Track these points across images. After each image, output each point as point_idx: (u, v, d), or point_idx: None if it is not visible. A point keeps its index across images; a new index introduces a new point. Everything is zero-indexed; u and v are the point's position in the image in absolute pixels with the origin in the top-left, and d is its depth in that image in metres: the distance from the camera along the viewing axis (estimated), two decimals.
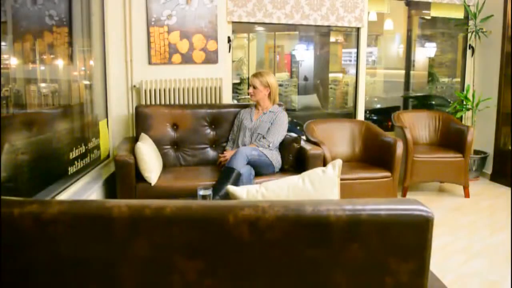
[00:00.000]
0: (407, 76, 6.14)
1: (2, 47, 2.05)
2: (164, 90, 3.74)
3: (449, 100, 5.62)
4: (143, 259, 1.03)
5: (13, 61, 2.18)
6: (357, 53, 4.55)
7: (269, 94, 3.41)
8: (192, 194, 2.44)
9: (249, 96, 3.49)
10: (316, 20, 4.16)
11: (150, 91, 3.69)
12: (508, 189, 4.29)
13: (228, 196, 1.57)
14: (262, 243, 1.01)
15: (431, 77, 6.17)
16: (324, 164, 3.11)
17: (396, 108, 5.78)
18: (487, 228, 3.37)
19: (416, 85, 6.27)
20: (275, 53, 7.33)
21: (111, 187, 3.17)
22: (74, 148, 2.83)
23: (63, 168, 2.70)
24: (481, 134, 4.67)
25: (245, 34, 7.00)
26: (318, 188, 1.59)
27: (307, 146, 3.24)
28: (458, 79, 5.34)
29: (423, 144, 4.34)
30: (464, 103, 4.59)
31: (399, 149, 3.36)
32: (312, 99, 6.82)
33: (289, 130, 3.51)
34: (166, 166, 3.35)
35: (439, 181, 4.30)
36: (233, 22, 4.00)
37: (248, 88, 3.44)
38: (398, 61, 6.71)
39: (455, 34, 5.32)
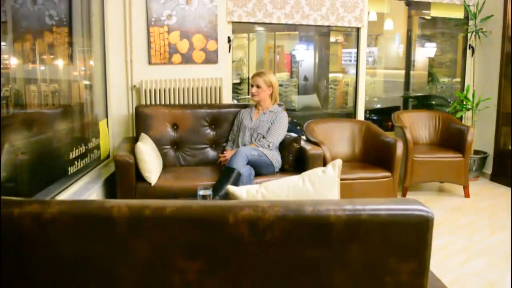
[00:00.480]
0: (407, 76, 6.14)
1: (2, 47, 2.05)
2: (164, 90, 3.73)
3: (449, 100, 5.62)
4: (143, 259, 1.03)
5: (13, 61, 2.18)
6: (357, 53, 4.55)
7: (271, 94, 3.41)
8: (192, 194, 2.45)
9: (250, 96, 3.48)
10: (316, 20, 4.16)
11: (150, 91, 3.69)
12: (508, 189, 4.29)
13: (228, 196, 1.57)
14: (262, 243, 1.01)
15: (431, 77, 6.17)
16: (324, 164, 3.11)
17: (396, 108, 5.78)
18: (487, 228, 3.37)
19: (416, 85, 6.28)
20: (275, 53, 7.33)
21: (111, 187, 3.17)
22: (74, 148, 2.83)
23: (63, 168, 2.70)
24: (481, 134, 4.67)
25: (245, 34, 7.00)
26: (318, 188, 1.59)
27: (307, 146, 3.24)
28: (458, 79, 5.34)
29: (423, 144, 4.34)
30: (464, 103, 4.59)
31: (399, 149, 3.36)
32: (312, 99, 6.82)
33: (289, 130, 3.51)
34: (166, 166, 3.35)
35: (439, 181, 4.30)
36: (233, 22, 4.00)
37: (251, 88, 3.40)
38: (398, 61, 6.71)
39: (455, 34, 5.32)
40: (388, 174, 3.38)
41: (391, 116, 4.35)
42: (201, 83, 3.82)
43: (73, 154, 2.82)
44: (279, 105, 3.52)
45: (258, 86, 3.37)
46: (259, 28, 6.89)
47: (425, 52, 6.14)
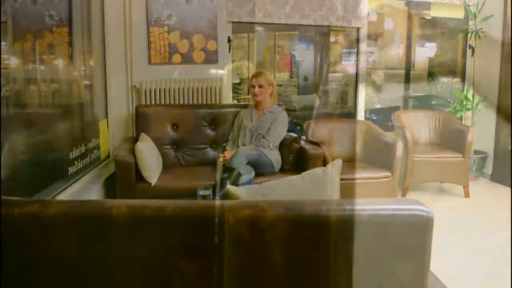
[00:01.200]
0: (407, 76, 6.13)
1: (2, 47, 2.04)
2: (164, 90, 3.73)
3: (449, 100, 5.62)
4: (143, 259, 1.03)
5: (13, 61, 2.18)
6: (357, 53, 4.55)
7: (271, 93, 3.41)
8: (192, 194, 2.44)
9: (250, 96, 3.48)
10: (316, 20, 4.16)
11: (150, 91, 3.69)
12: (508, 189, 4.29)
13: (228, 196, 1.57)
14: (262, 243, 1.01)
15: (431, 77, 6.17)
16: (324, 164, 3.11)
17: (396, 108, 5.78)
18: (487, 228, 3.37)
19: (416, 85, 6.27)
20: (275, 53, 7.33)
21: (111, 187, 3.17)
22: (74, 148, 2.83)
23: (63, 168, 2.70)
24: (481, 134, 4.67)
25: (245, 34, 6.99)
26: (318, 188, 1.59)
27: (307, 146, 3.24)
28: (458, 79, 5.33)
29: (423, 144, 4.34)
30: (464, 103, 4.59)
31: (399, 149, 3.36)
32: (312, 99, 6.81)
33: (289, 130, 3.50)
34: (166, 166, 3.35)
35: (439, 181, 4.30)
36: (233, 22, 4.00)
37: (253, 88, 3.37)
38: (398, 61, 6.71)
39: (455, 34, 5.31)
40: (388, 174, 3.38)
41: (391, 116, 4.35)
42: (201, 83, 3.82)
43: (73, 154, 2.82)
44: (279, 105, 3.52)
45: (260, 86, 3.36)
46: (259, 28, 6.88)
47: (425, 52, 6.14)
